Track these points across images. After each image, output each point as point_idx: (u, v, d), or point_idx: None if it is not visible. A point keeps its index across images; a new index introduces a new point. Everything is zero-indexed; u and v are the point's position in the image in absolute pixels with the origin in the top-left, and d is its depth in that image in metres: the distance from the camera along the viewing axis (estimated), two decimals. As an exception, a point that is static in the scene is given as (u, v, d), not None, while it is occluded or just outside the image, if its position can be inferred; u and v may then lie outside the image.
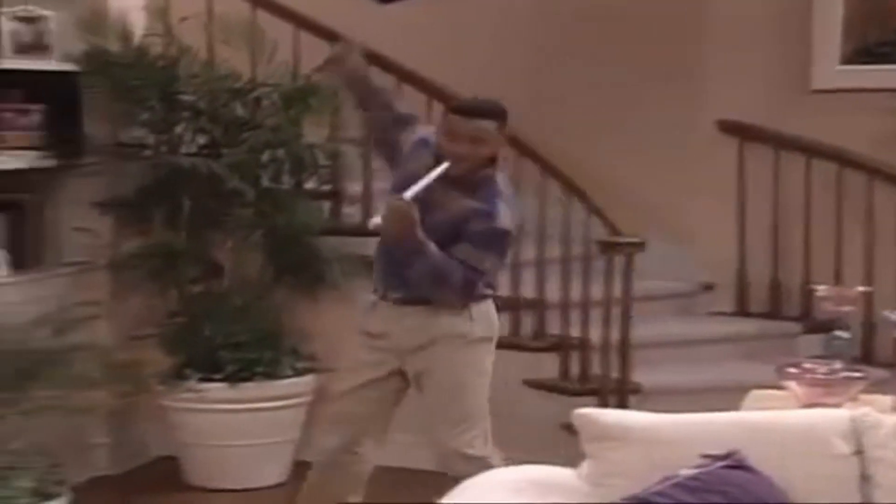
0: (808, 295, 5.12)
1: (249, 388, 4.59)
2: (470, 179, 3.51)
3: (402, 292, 3.54)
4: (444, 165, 3.44)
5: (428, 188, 3.41)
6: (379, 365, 3.60)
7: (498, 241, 3.51)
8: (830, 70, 5.34)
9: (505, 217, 3.49)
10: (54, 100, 4.50)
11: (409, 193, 3.38)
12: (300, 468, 4.16)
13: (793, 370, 2.64)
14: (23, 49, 4.44)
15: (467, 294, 3.51)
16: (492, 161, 3.56)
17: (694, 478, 2.34)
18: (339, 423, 3.64)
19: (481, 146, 3.50)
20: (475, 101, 3.69)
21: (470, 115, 3.51)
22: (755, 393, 3.04)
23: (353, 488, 3.67)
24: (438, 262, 3.42)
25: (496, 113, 3.55)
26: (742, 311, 5.45)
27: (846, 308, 2.97)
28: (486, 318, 3.59)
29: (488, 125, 3.50)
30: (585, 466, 2.57)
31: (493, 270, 3.58)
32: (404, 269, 3.47)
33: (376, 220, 3.44)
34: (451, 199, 3.48)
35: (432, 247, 3.42)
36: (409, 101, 4.92)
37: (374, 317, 3.62)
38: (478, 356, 3.60)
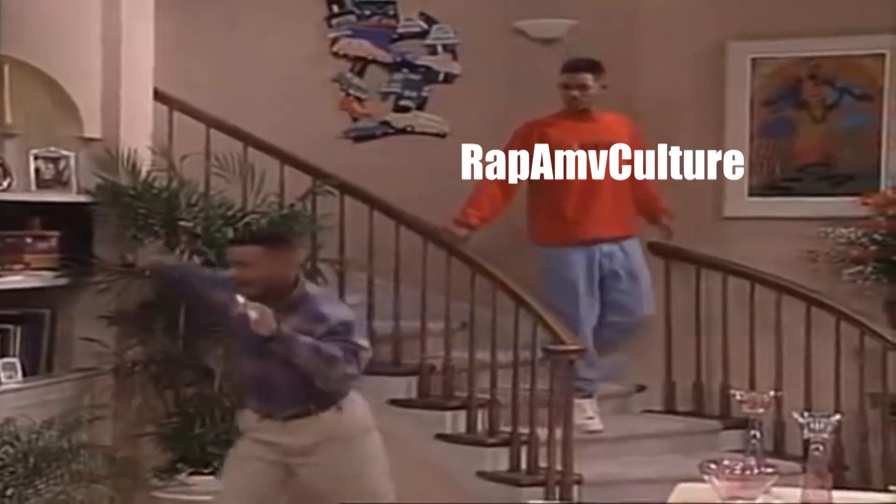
0: (727, 396, 5.17)
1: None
2: (285, 304, 3.63)
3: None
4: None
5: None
6: None
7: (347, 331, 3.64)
8: (740, 201, 5.53)
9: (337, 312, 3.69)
10: (70, 226, 4.55)
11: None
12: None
13: (713, 466, 2.71)
14: (44, 184, 4.50)
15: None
16: (295, 283, 3.71)
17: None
18: None
19: (248, 269, 3.67)
20: (246, 231, 4.08)
21: (235, 244, 3.86)
22: (682, 486, 2.99)
23: None
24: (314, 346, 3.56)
25: (260, 238, 3.82)
26: (670, 409, 5.52)
27: (760, 410, 3.01)
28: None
29: (251, 249, 3.71)
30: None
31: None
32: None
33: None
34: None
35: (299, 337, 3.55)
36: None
37: None
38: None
